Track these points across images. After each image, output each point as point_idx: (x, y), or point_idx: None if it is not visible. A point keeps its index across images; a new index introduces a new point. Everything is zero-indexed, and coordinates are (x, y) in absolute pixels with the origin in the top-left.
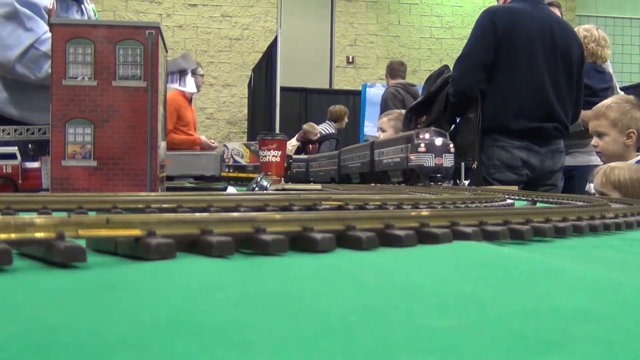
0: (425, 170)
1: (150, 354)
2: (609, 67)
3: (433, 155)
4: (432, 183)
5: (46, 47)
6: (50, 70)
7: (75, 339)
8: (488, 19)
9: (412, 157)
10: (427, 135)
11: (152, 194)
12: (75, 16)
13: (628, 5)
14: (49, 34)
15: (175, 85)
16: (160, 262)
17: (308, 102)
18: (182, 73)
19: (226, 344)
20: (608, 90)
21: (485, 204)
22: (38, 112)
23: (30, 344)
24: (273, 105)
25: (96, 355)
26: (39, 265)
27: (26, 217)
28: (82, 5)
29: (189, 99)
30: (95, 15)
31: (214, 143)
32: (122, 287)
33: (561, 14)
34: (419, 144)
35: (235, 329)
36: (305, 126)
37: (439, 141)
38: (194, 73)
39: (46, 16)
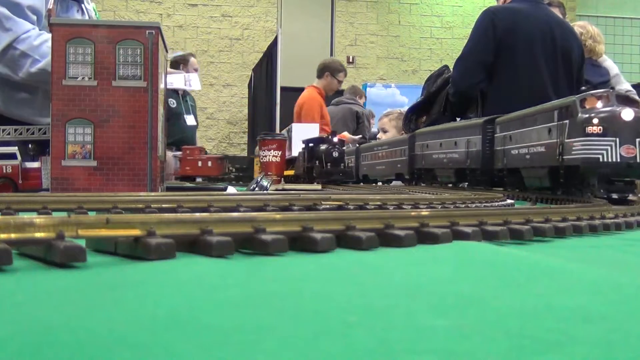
0: (599, 169)
1: (150, 353)
2: (608, 62)
3: (616, 140)
4: (610, 194)
5: (25, 45)
6: (31, 69)
7: (74, 338)
8: (488, 19)
9: (571, 144)
10: (600, 104)
11: (152, 194)
12: (76, 16)
13: (628, 5)
14: (29, 33)
15: (180, 85)
16: (160, 262)
17: None
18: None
19: (226, 343)
20: (606, 84)
21: (485, 204)
22: (22, 107)
23: (30, 344)
24: (273, 105)
25: (96, 355)
26: (39, 265)
27: (26, 217)
28: (82, 5)
29: (324, 96)
30: (96, 14)
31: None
32: (122, 287)
33: (564, 14)
34: (589, 118)
35: (235, 328)
36: None
37: (627, 114)
38: None
39: (31, 15)
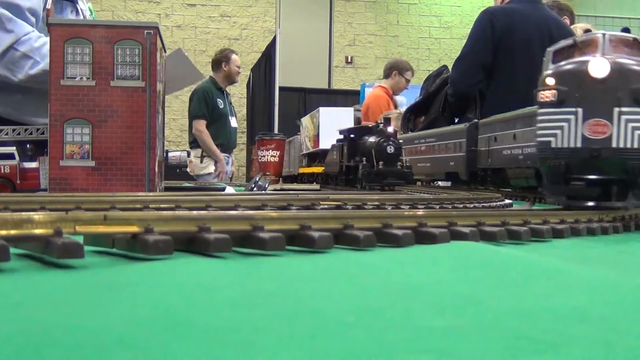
0: (549, 159)
1: (147, 353)
2: None
3: (578, 112)
4: (566, 201)
5: (25, 47)
6: (30, 72)
7: (72, 338)
8: (487, 19)
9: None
10: (571, 54)
11: (151, 194)
12: (70, 16)
13: (626, 5)
14: (30, 35)
15: None
16: (157, 262)
17: (307, 102)
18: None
19: (224, 343)
20: None
21: (483, 205)
22: (21, 110)
23: (28, 344)
24: (272, 105)
25: (94, 355)
26: (37, 265)
27: (24, 213)
28: (77, 5)
29: (391, 95)
30: (92, 14)
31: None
32: (120, 287)
33: (572, 20)
34: (543, 78)
35: (233, 328)
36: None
37: (599, 67)
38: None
39: (31, 17)
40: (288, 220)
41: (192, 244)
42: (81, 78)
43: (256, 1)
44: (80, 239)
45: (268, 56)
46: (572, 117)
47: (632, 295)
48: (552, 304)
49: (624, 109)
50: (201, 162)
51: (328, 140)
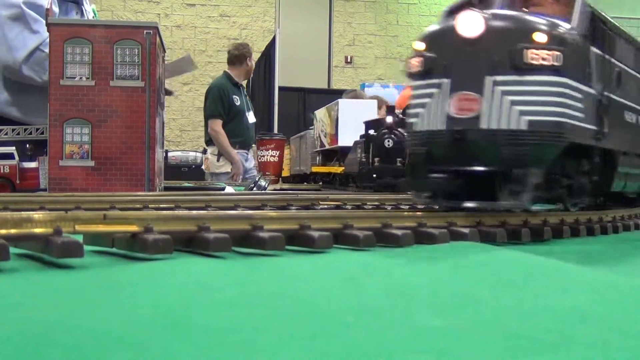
0: (412, 147)
1: (147, 354)
2: None
3: (442, 84)
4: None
5: None
6: None
7: (72, 338)
8: None
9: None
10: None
11: (150, 193)
12: (75, 17)
13: (626, 5)
14: None
15: None
16: (157, 262)
17: (307, 102)
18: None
19: (224, 343)
20: None
21: None
22: (40, 114)
23: (27, 344)
24: (272, 105)
25: (93, 355)
26: (37, 265)
27: (23, 213)
28: (82, 7)
29: None
30: (95, 15)
31: None
32: (119, 287)
33: None
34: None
35: (232, 329)
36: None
37: (469, 24)
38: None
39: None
40: (288, 220)
41: (192, 243)
42: (81, 78)
43: (256, 1)
44: (79, 238)
45: (268, 56)
46: (436, 90)
47: (632, 295)
48: (551, 304)
49: (499, 78)
50: (218, 160)
51: (348, 136)
